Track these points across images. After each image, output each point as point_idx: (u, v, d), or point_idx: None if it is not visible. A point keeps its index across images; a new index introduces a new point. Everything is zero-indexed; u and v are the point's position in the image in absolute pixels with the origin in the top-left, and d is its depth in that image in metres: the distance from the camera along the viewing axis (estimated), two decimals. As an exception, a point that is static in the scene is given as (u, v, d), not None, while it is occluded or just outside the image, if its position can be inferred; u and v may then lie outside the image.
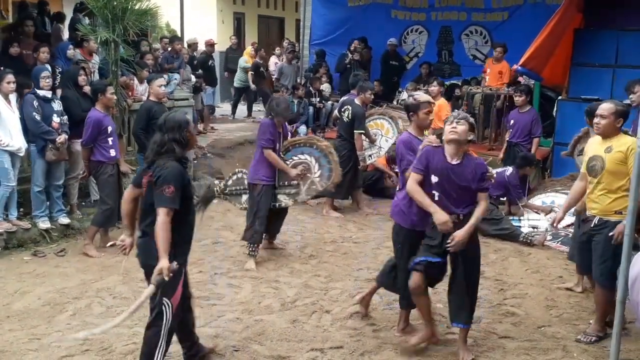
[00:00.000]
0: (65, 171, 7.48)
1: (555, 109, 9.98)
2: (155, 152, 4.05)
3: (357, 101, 8.61)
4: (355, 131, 8.47)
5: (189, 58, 12.50)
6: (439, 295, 5.31)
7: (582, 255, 5.24)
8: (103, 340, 4.80)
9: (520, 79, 11.17)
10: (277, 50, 15.49)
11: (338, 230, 8.01)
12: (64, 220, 7.46)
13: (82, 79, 7.65)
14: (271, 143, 6.69)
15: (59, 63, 8.73)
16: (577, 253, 5.42)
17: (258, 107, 15.04)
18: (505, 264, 6.84)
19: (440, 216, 4.42)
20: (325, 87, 13.23)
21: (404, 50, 14.13)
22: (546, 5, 11.61)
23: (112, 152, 6.98)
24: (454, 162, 4.50)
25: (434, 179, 4.52)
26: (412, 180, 4.58)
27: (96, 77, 8.91)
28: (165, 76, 9.05)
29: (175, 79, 10.83)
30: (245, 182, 7.01)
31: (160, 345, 4.01)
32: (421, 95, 5.16)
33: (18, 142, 6.89)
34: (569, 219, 6.42)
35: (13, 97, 7.03)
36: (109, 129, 6.96)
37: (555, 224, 5.50)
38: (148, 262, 4.00)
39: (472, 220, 4.46)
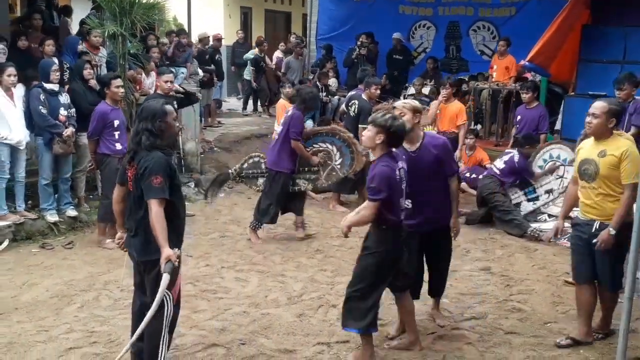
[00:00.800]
0: (72, 164, 7.51)
1: (562, 105, 9.97)
2: (135, 142, 3.96)
3: (364, 96, 8.63)
4: (360, 125, 8.47)
5: (199, 52, 12.51)
6: (445, 290, 5.31)
7: (584, 262, 4.76)
8: (110, 333, 4.83)
9: (527, 74, 11.14)
10: (282, 46, 15.47)
11: (344, 225, 8.00)
12: (71, 212, 7.50)
13: (87, 72, 7.67)
14: (301, 135, 7.07)
15: (66, 58, 8.74)
16: (577, 261, 4.86)
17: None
18: (512, 260, 6.84)
19: None
20: (332, 82, 13.22)
21: (412, 45, 14.10)
22: (554, 1, 11.50)
23: (118, 146, 6.94)
24: (412, 149, 4.64)
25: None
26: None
27: (104, 70, 8.91)
28: (173, 70, 9.05)
29: (182, 73, 10.84)
30: (262, 165, 7.34)
31: (164, 338, 3.97)
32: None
33: (18, 135, 6.91)
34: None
35: (19, 89, 7.05)
36: (116, 122, 6.93)
37: (558, 234, 5.13)
38: (146, 257, 3.93)
39: (454, 204, 4.82)
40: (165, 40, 11.82)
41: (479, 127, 11.54)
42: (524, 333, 5.05)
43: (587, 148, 4.71)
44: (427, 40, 14.09)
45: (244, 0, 19.46)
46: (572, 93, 9.89)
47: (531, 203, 8.22)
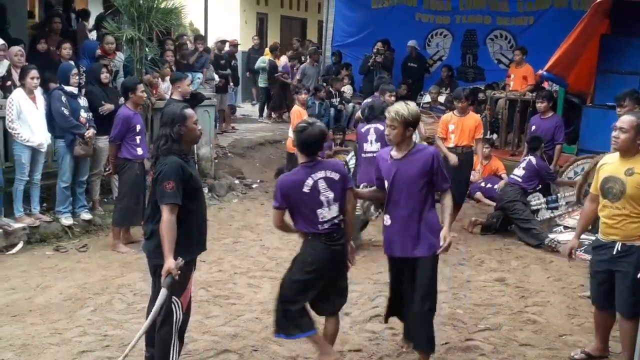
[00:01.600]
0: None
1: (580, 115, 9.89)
2: (155, 147, 4.01)
3: (379, 103, 8.59)
4: None
5: (215, 57, 12.54)
6: (459, 301, 5.27)
7: (602, 285, 4.51)
8: (123, 337, 4.83)
9: (545, 84, 11.07)
10: (289, 53, 15.48)
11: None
12: (86, 216, 7.53)
13: (104, 76, 7.71)
14: None
15: (83, 62, 8.79)
16: (596, 284, 4.60)
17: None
18: (527, 271, 6.78)
19: None
20: (347, 89, 13.21)
21: (428, 53, 14.08)
22: (572, 11, 11.51)
23: (140, 151, 6.99)
24: (399, 156, 4.29)
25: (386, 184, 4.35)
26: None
27: (121, 75, 8.96)
28: (190, 75, 9.08)
29: (199, 78, 10.87)
30: None
31: (174, 344, 3.97)
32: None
33: (39, 137, 6.94)
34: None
35: (38, 92, 7.10)
36: (138, 127, 6.98)
37: (573, 255, 4.82)
38: (157, 261, 3.93)
39: (447, 215, 4.27)
40: (189, 45, 11.78)
41: (494, 136, 11.48)
42: (538, 345, 4.99)
43: (612, 164, 4.40)
44: (443, 49, 14.06)
45: (260, 6, 19.56)
46: (590, 104, 9.80)
47: (550, 211, 8.18)
